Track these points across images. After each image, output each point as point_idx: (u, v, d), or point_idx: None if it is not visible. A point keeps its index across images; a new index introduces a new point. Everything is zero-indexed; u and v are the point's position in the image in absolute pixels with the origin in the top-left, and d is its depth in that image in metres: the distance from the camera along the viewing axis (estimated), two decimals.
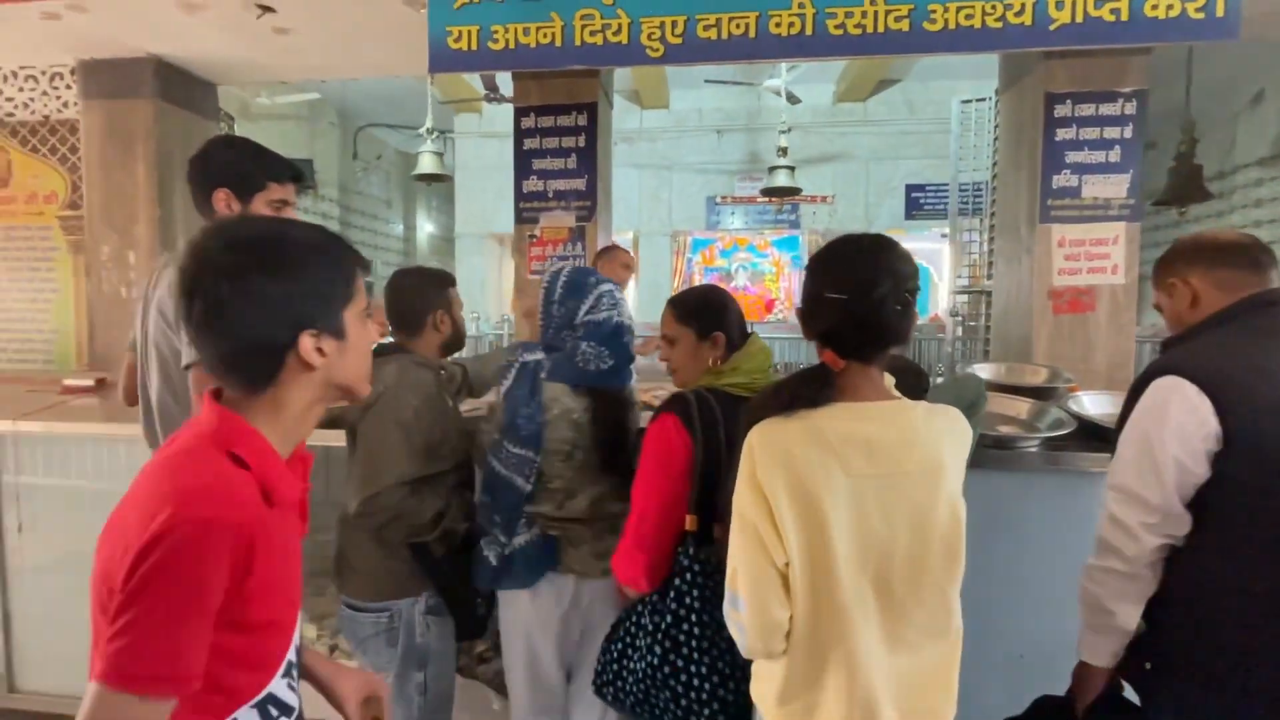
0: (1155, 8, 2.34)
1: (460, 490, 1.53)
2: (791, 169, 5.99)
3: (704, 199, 7.99)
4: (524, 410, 1.32)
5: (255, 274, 0.68)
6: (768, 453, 0.91)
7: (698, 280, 8.31)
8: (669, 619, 1.20)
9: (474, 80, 6.23)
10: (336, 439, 1.52)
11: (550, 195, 3.10)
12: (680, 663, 1.19)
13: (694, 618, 1.19)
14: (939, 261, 8.27)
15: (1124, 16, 2.36)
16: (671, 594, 1.21)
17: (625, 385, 1.45)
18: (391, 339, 1.58)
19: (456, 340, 1.59)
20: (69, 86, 3.40)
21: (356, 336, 0.76)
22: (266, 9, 2.83)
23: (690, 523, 1.22)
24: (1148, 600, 1.09)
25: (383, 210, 9.52)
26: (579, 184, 3.07)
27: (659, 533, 1.23)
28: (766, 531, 0.90)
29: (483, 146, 7.90)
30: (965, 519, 0.95)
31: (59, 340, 3.50)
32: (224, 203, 1.37)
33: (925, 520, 0.91)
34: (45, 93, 3.44)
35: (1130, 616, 1.09)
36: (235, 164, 1.39)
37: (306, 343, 0.70)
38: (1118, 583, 1.08)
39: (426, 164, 5.58)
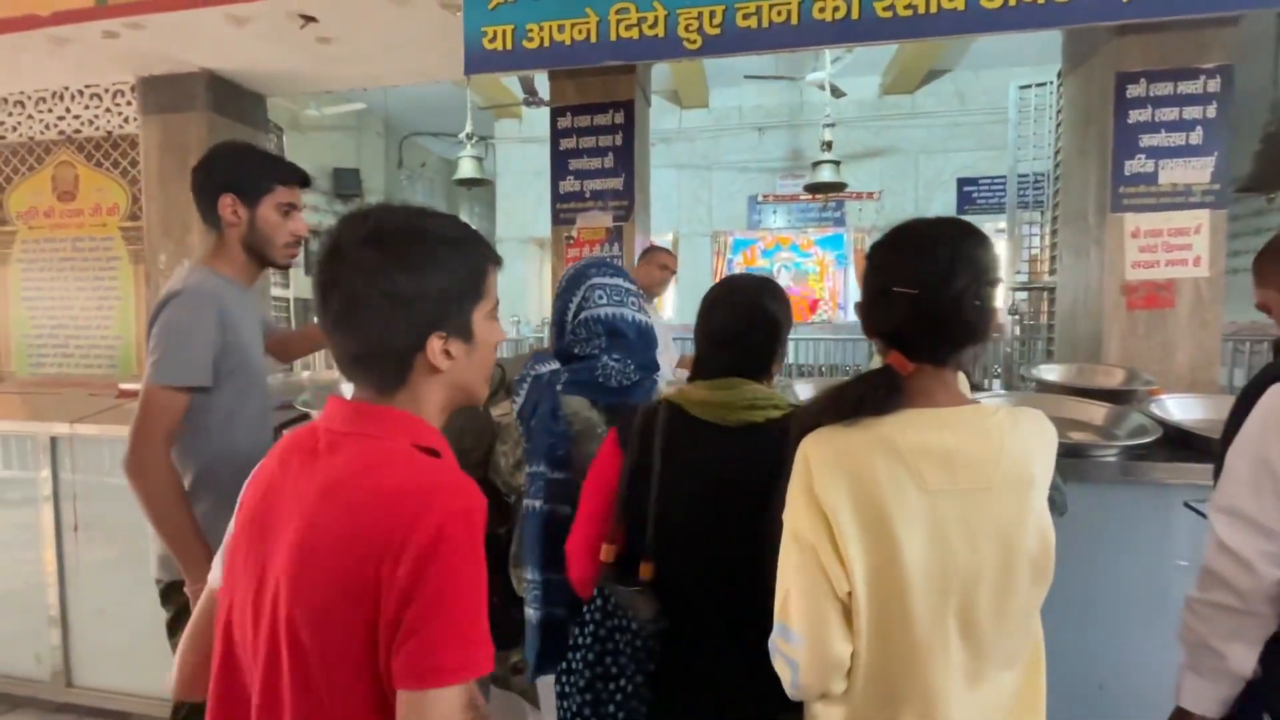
0: None
1: (494, 495, 1.47)
2: (837, 164, 5.81)
3: (745, 198, 7.85)
4: (554, 428, 1.20)
5: (394, 271, 0.66)
6: (827, 464, 0.79)
7: None
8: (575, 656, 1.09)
9: (513, 85, 6.27)
10: None
11: (587, 195, 3.05)
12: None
13: (575, 673, 1.04)
14: None
15: None
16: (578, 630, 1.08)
17: (648, 399, 1.27)
18: None
19: None
20: (129, 103, 3.55)
21: (484, 337, 0.75)
22: (309, 19, 2.87)
23: (605, 553, 1.05)
24: (1266, 641, 0.94)
25: None
26: (616, 184, 3.02)
27: (584, 546, 1.09)
28: (826, 556, 0.78)
29: (523, 151, 7.97)
30: (1054, 538, 0.83)
31: (122, 346, 3.65)
32: (230, 208, 1.33)
33: (1013, 542, 0.78)
34: (108, 109, 3.60)
35: (1244, 660, 0.94)
36: (239, 168, 1.34)
37: (434, 345, 0.70)
38: (1229, 620, 0.94)
39: (466, 169, 5.64)
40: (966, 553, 0.77)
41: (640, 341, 1.26)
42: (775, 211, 7.88)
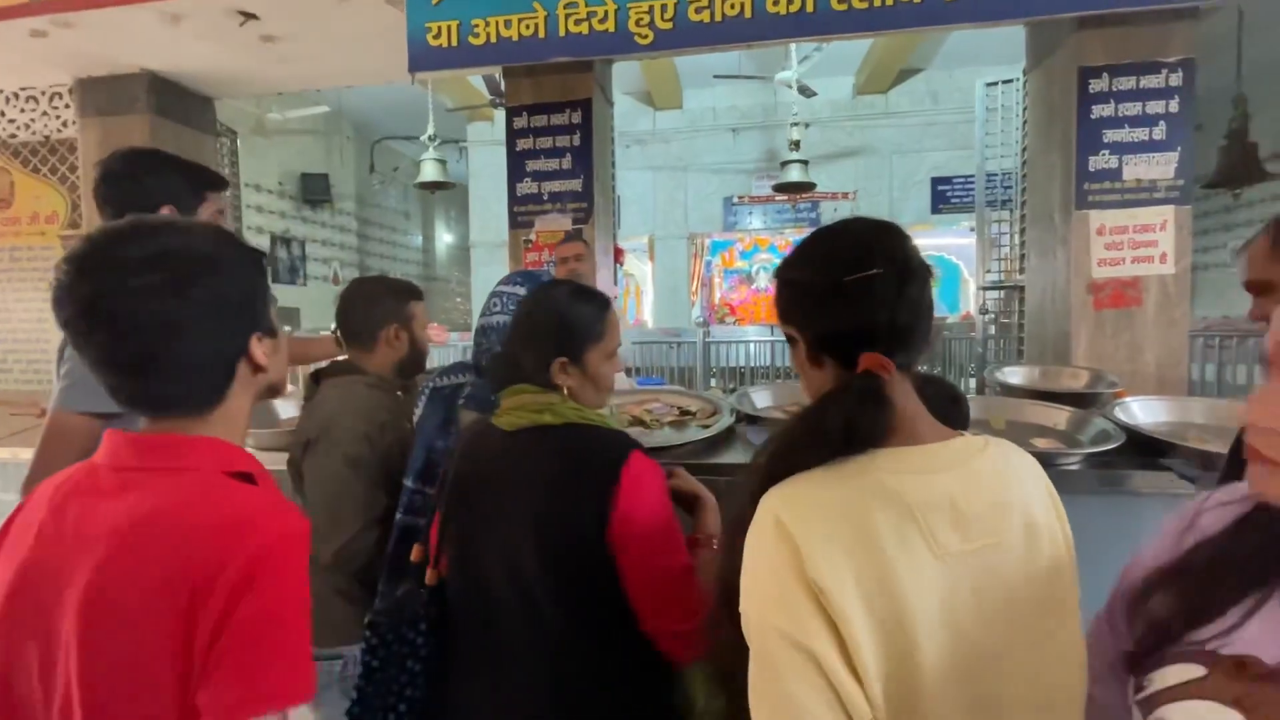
0: None
1: None
2: (805, 163, 5.76)
3: (721, 200, 7.80)
4: (437, 443, 1.14)
5: (207, 277, 0.63)
6: (819, 533, 0.57)
7: (717, 284, 8.11)
8: None
9: (480, 85, 6.16)
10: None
11: (545, 198, 2.95)
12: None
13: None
14: (968, 257, 7.91)
15: None
16: None
17: None
18: (345, 356, 1.44)
19: (415, 360, 1.44)
20: (68, 106, 3.40)
21: (281, 333, 0.75)
22: (249, 16, 2.76)
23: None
24: None
25: (401, 222, 9.56)
26: (574, 185, 2.92)
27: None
28: (835, 669, 0.54)
29: (495, 154, 7.81)
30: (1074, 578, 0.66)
31: None
32: None
33: (1040, 611, 0.61)
34: (45, 113, 3.44)
35: None
36: (170, 181, 1.29)
37: (256, 346, 0.68)
38: None
39: (430, 172, 5.53)
40: (984, 634, 0.58)
41: None
42: (752, 213, 7.83)
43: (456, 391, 1.18)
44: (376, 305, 1.40)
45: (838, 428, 0.61)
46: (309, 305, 6.94)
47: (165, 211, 1.27)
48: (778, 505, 0.60)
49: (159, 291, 0.60)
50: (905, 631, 0.56)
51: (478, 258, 8.34)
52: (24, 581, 0.61)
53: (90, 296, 0.60)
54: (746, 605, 0.60)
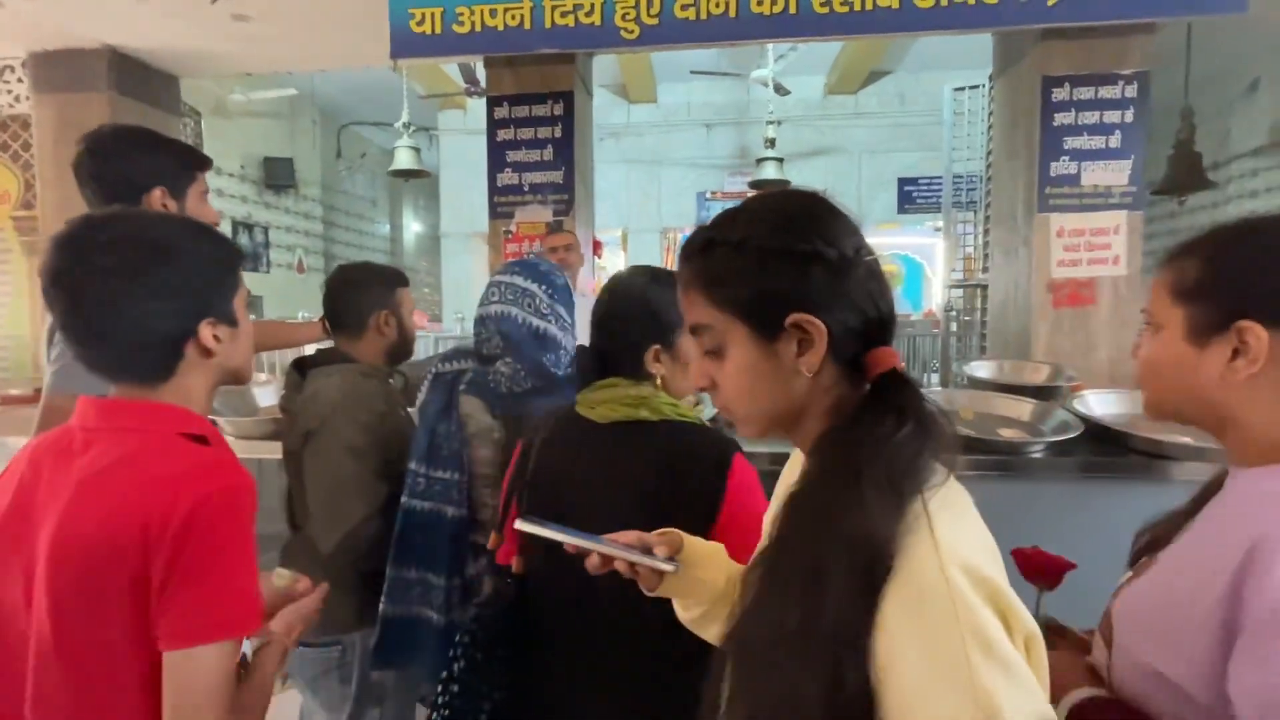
0: None
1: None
2: (780, 161, 5.86)
3: (694, 194, 7.86)
4: (440, 427, 1.15)
5: (155, 265, 0.70)
6: (997, 569, 0.48)
7: None
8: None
9: (454, 73, 6.07)
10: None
11: (526, 189, 2.95)
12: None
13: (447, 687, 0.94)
14: (933, 256, 8.16)
15: None
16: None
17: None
18: (331, 343, 1.43)
19: (404, 347, 1.44)
20: (20, 80, 3.25)
21: (244, 323, 0.80)
22: None
23: (491, 540, 1.03)
24: None
25: (368, 210, 9.35)
26: (556, 177, 2.93)
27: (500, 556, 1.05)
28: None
29: (467, 143, 7.74)
30: None
31: (14, 347, 3.35)
32: (160, 202, 1.28)
33: None
34: None
35: None
36: (161, 160, 1.30)
37: (206, 331, 0.74)
38: None
39: (404, 159, 5.43)
40: None
41: (531, 346, 1.16)
42: (724, 208, 7.93)
43: (458, 378, 1.19)
44: (366, 291, 1.40)
45: (947, 443, 0.51)
46: (272, 293, 6.75)
47: (158, 193, 1.27)
48: (953, 567, 0.46)
49: (112, 272, 0.68)
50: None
51: (448, 248, 8.23)
52: (4, 525, 0.71)
53: (55, 271, 0.68)
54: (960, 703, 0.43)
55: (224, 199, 6.28)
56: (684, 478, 0.85)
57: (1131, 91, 2.61)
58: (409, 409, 1.46)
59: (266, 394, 2.09)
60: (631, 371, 0.93)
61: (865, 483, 0.48)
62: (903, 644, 0.45)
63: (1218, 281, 0.64)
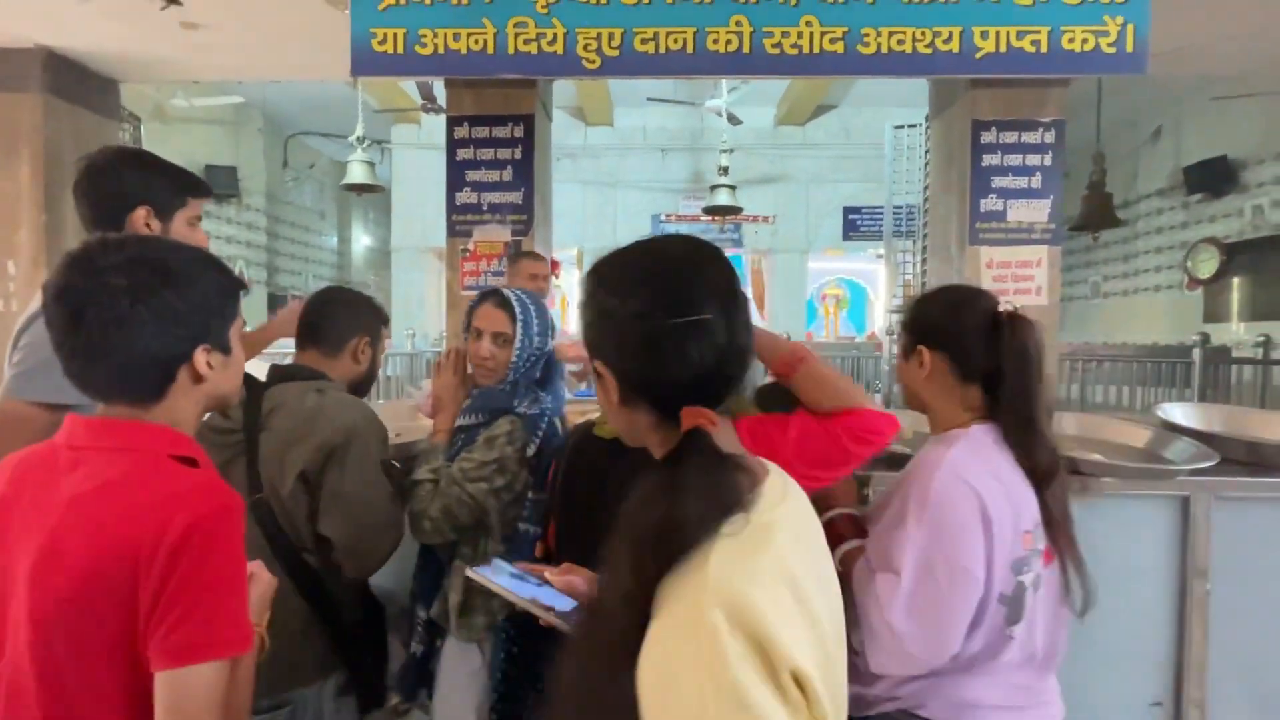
0: (1072, 41, 2.45)
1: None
2: (733, 188, 6.06)
3: (649, 216, 8.00)
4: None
5: (159, 289, 0.72)
6: (778, 610, 0.51)
7: None
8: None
9: (410, 89, 6.04)
10: None
11: (485, 208, 2.97)
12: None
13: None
14: (875, 281, 8.54)
15: (1044, 48, 2.46)
16: None
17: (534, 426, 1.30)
18: (296, 359, 1.39)
19: (368, 381, 1.41)
20: None
21: (237, 352, 0.82)
22: (172, 0, 2.62)
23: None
24: None
25: (315, 222, 9.11)
26: (515, 197, 2.96)
27: None
28: None
29: (421, 158, 7.68)
30: None
31: None
32: (143, 222, 1.26)
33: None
34: None
35: None
36: (151, 180, 1.28)
37: (200, 357, 0.75)
38: None
39: (357, 173, 5.35)
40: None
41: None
42: (678, 231, 8.10)
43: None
44: (355, 313, 1.36)
45: (700, 505, 0.53)
46: None
47: (142, 211, 1.25)
48: (712, 600, 0.49)
49: (116, 293, 0.70)
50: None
51: (399, 262, 8.09)
52: (46, 549, 0.68)
53: (62, 287, 0.70)
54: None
55: None
56: None
57: (1050, 137, 2.86)
58: None
59: None
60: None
61: (629, 533, 0.54)
62: (650, 678, 0.49)
63: (911, 323, 1.11)
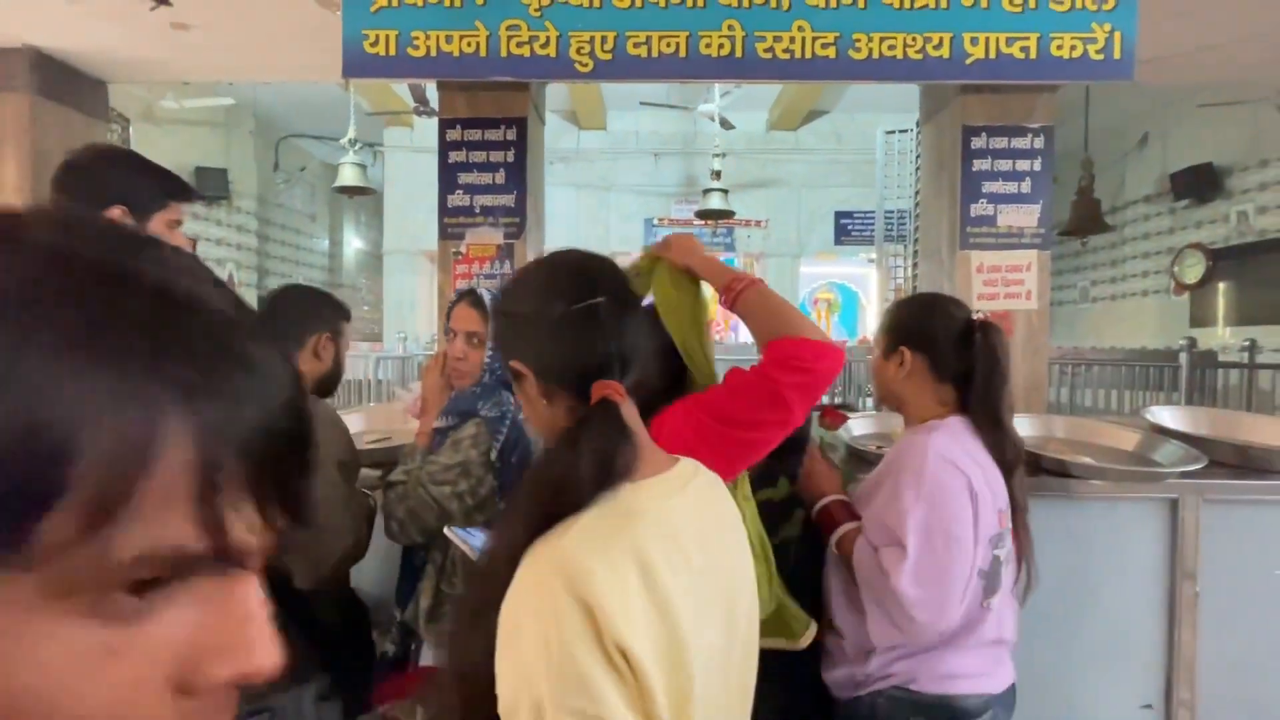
0: (1060, 48, 2.48)
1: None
2: (725, 192, 6.08)
3: (642, 220, 8.01)
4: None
5: None
6: (616, 586, 0.54)
7: None
8: None
9: (402, 91, 6.03)
10: None
11: (477, 211, 2.96)
12: None
13: None
14: (866, 285, 8.58)
15: (1032, 55, 2.48)
16: None
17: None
18: None
19: (334, 379, 1.39)
20: None
21: None
22: (162, 1, 2.60)
23: None
24: None
25: (306, 224, 9.05)
26: (508, 200, 2.95)
27: None
28: None
29: (414, 161, 7.65)
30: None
31: None
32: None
33: (746, 607, 0.67)
34: None
35: None
36: (131, 179, 1.24)
37: None
38: None
39: (348, 176, 5.32)
40: (719, 637, 0.63)
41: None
42: (670, 234, 8.12)
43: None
44: (312, 309, 1.36)
45: (593, 465, 0.58)
46: None
47: (115, 211, 1.20)
48: (561, 565, 0.54)
49: None
50: (685, 662, 0.57)
51: (391, 266, 8.05)
52: None
53: None
54: (522, 691, 0.52)
55: None
56: None
57: (1039, 143, 2.88)
58: None
59: None
60: None
61: (526, 489, 0.61)
62: (503, 628, 0.55)
63: (894, 327, 1.22)
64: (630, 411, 0.65)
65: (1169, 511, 1.60)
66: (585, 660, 0.52)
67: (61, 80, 3.13)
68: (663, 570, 0.57)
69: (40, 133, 3.04)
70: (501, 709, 0.53)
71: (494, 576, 0.57)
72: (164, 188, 1.27)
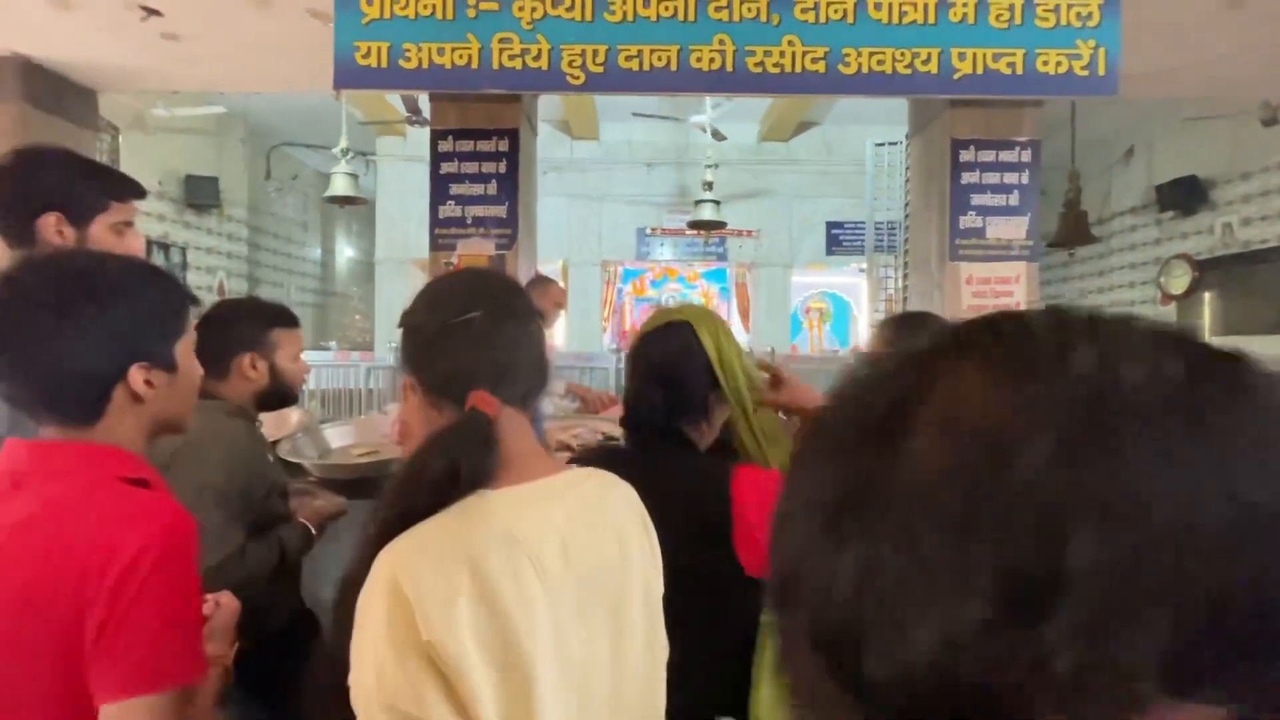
0: (1046, 64, 2.51)
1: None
2: (717, 203, 6.11)
3: (634, 230, 8.04)
4: None
5: (83, 304, 0.68)
6: (441, 588, 0.55)
7: (628, 310, 8.31)
8: None
9: (395, 101, 6.04)
10: None
11: (468, 221, 2.96)
12: None
13: None
14: (858, 295, 8.63)
15: (1019, 70, 2.52)
16: None
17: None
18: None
19: (278, 394, 1.34)
20: None
21: (187, 369, 0.77)
22: (152, 12, 2.60)
23: None
24: None
25: (298, 233, 9.02)
26: (499, 211, 2.96)
27: None
28: None
29: (406, 170, 7.66)
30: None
31: None
32: (54, 229, 1.12)
33: (624, 630, 0.67)
34: None
35: None
36: (66, 182, 1.15)
37: (136, 375, 0.71)
38: None
39: (340, 185, 5.32)
40: (585, 650, 0.64)
41: None
42: (663, 244, 8.13)
43: None
44: (230, 330, 1.29)
45: (442, 469, 0.60)
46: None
47: (52, 218, 1.12)
48: (392, 564, 0.57)
49: (40, 307, 0.67)
50: (524, 670, 0.57)
51: (383, 274, 8.03)
52: None
53: None
54: (357, 679, 0.55)
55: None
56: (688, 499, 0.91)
57: (1027, 156, 2.92)
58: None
59: None
60: None
61: (385, 492, 0.63)
62: (357, 617, 0.57)
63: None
64: (510, 422, 0.66)
65: None
66: (406, 659, 0.54)
67: (51, 89, 3.12)
68: (501, 576, 0.58)
69: (29, 141, 3.02)
70: (354, 701, 0.56)
71: (353, 574, 0.60)
72: (103, 189, 1.18)
